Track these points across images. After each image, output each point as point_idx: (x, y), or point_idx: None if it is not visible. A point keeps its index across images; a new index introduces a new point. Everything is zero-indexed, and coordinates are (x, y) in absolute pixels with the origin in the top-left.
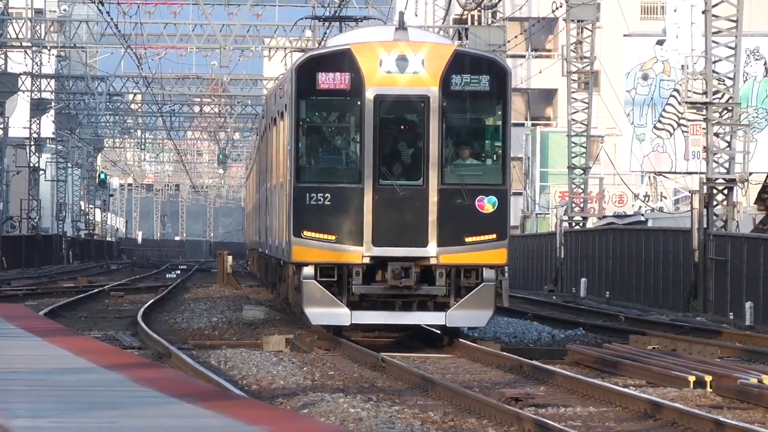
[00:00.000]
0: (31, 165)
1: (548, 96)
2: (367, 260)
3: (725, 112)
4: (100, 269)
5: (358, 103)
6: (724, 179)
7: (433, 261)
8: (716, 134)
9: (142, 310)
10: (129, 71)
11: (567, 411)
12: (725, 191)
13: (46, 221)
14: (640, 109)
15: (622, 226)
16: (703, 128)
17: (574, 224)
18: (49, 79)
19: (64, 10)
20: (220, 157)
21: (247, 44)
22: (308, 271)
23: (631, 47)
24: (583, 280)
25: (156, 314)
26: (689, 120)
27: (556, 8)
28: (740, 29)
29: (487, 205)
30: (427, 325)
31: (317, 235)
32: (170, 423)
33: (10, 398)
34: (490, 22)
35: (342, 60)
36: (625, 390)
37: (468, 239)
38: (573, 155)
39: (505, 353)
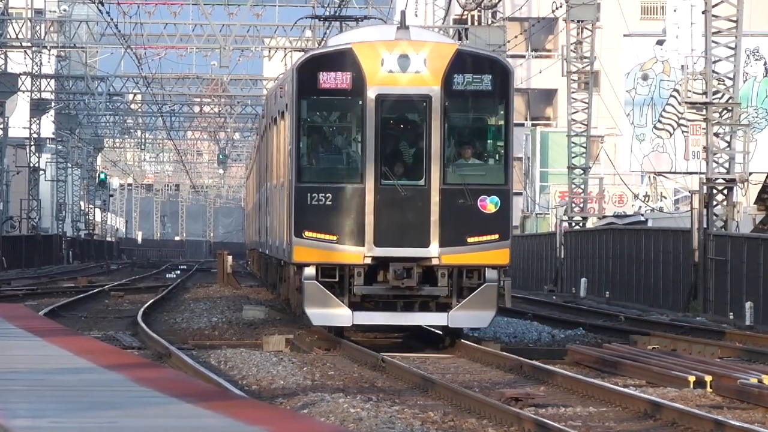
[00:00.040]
0: (31, 165)
1: (548, 96)
2: (368, 261)
3: (725, 112)
4: (100, 269)
5: (360, 102)
6: (724, 179)
7: (435, 261)
8: (716, 134)
9: (142, 310)
10: (129, 71)
11: (567, 411)
12: (725, 191)
13: (46, 221)
14: (640, 109)
15: (622, 226)
16: (703, 128)
17: (574, 224)
18: (49, 79)
19: (64, 10)
20: (220, 157)
21: (247, 44)
22: (309, 271)
23: (631, 47)
24: (583, 280)
25: (156, 314)
26: (689, 120)
27: (556, 8)
28: (740, 29)
29: (489, 205)
30: (429, 326)
31: (318, 236)
32: (170, 423)
33: (10, 398)
34: (490, 22)
35: (343, 59)
36: (625, 390)
37: (470, 239)
38: (573, 155)
39: (505, 353)
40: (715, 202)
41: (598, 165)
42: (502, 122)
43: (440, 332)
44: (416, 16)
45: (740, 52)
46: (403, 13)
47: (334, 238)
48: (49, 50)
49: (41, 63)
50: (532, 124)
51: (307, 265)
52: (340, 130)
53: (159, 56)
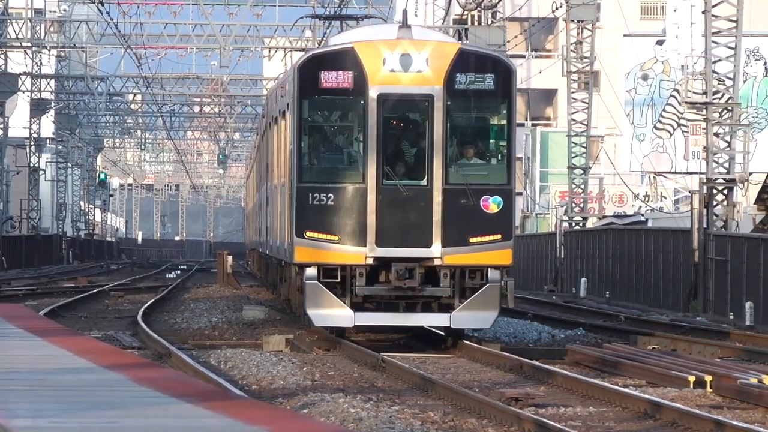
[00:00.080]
0: (31, 165)
1: (548, 96)
2: (370, 261)
3: (725, 112)
4: (100, 269)
5: (362, 102)
6: (724, 179)
7: (437, 262)
8: (716, 134)
9: (142, 310)
10: (129, 71)
11: (567, 411)
12: (725, 191)
13: (46, 221)
14: (640, 109)
15: (622, 226)
16: (703, 128)
17: (574, 224)
18: (49, 79)
19: (64, 10)
20: (220, 157)
21: (247, 44)
22: (311, 272)
23: (631, 47)
24: (583, 280)
25: (156, 314)
26: (689, 120)
27: (556, 8)
28: (740, 29)
29: (492, 205)
30: (431, 326)
31: (320, 236)
32: (170, 423)
33: (10, 398)
34: (490, 22)
35: (345, 58)
36: (625, 390)
37: (473, 240)
38: (573, 155)
39: (505, 353)
40: (715, 202)
41: (598, 165)
42: (504, 122)
43: (442, 333)
44: (416, 16)
45: (740, 52)
46: (404, 12)
47: (336, 238)
48: (49, 50)
49: (41, 63)
50: (532, 124)
51: (309, 265)
52: (342, 129)
53: (159, 56)
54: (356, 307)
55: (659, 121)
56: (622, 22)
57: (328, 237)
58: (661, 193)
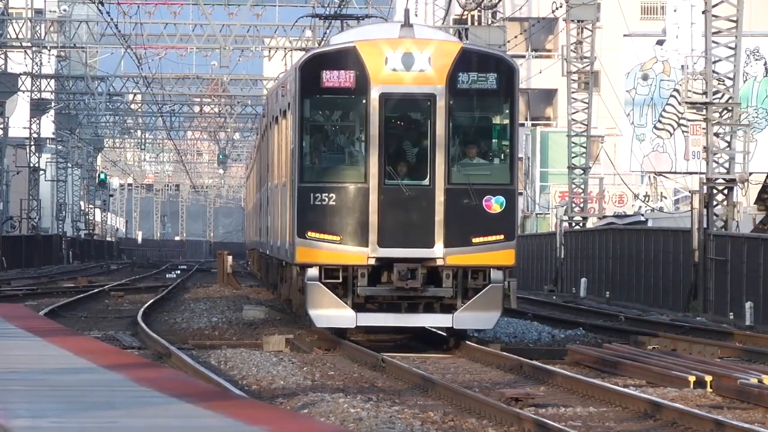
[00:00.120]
0: (31, 165)
1: (548, 96)
2: (372, 261)
3: (725, 112)
4: (100, 269)
5: (363, 101)
6: (724, 179)
7: (439, 262)
8: (716, 134)
9: (142, 310)
10: (129, 71)
11: (567, 411)
12: (725, 191)
13: (46, 221)
14: (640, 109)
15: (622, 226)
16: (703, 128)
17: (574, 224)
18: (49, 79)
19: (64, 10)
20: (220, 157)
21: (247, 44)
22: (313, 272)
23: (631, 47)
24: (583, 280)
25: (156, 314)
26: (689, 120)
27: (556, 8)
28: (740, 29)
29: (494, 205)
30: (433, 327)
31: (322, 236)
32: (170, 423)
33: (10, 398)
34: (490, 22)
35: (347, 58)
36: (625, 390)
37: (475, 240)
38: (573, 155)
39: (505, 353)
40: (715, 202)
41: (598, 165)
42: (507, 121)
43: (443, 334)
44: (416, 15)
45: (740, 52)
46: (407, 11)
47: (338, 238)
48: (49, 50)
49: (41, 63)
50: (532, 124)
51: (310, 265)
52: (344, 129)
53: (159, 56)
54: (358, 307)
55: (659, 121)
56: (622, 22)
57: (330, 237)
58: (661, 193)
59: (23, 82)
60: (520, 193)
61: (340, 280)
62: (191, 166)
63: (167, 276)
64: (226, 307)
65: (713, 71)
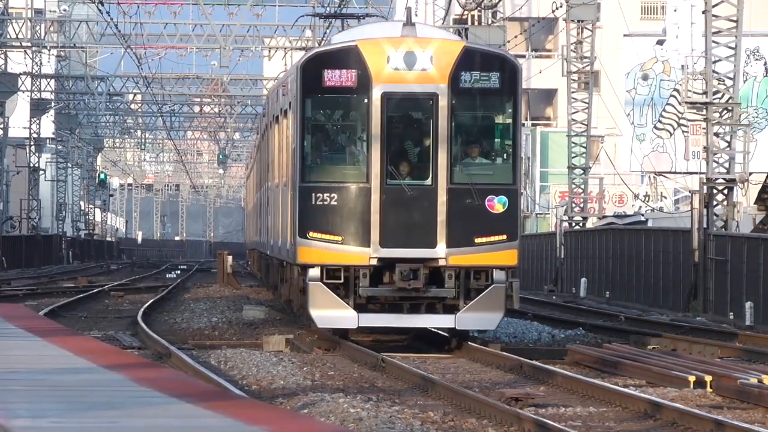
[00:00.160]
0: (31, 165)
1: (548, 96)
2: (374, 262)
3: (725, 112)
4: (100, 269)
5: (365, 100)
6: (724, 179)
7: (442, 262)
8: (716, 134)
9: (142, 310)
10: (129, 71)
11: (567, 411)
12: (725, 191)
13: (46, 221)
14: (640, 109)
15: (622, 226)
16: (703, 128)
17: (574, 224)
18: (49, 79)
19: (64, 10)
20: (220, 157)
21: (247, 44)
22: (314, 273)
23: (631, 47)
24: (583, 280)
25: (156, 314)
26: (689, 120)
27: (556, 8)
28: (740, 29)
29: (497, 205)
30: (435, 328)
31: (323, 236)
32: (170, 423)
33: (10, 398)
34: (490, 22)
35: (348, 57)
36: (625, 390)
37: (478, 240)
38: (573, 155)
39: (505, 353)
40: (715, 202)
41: (598, 165)
42: (509, 120)
43: (445, 335)
44: (416, 15)
45: (740, 52)
46: (408, 10)
47: (339, 238)
48: (49, 50)
49: (41, 63)
50: (532, 124)
51: (312, 266)
52: (345, 128)
53: (159, 56)
54: (360, 308)
55: (659, 121)
56: (622, 22)
57: (332, 237)
58: (661, 193)
59: (23, 82)
60: (521, 193)
61: (342, 281)
62: (191, 166)
63: (167, 276)
64: (226, 307)
65: (713, 71)
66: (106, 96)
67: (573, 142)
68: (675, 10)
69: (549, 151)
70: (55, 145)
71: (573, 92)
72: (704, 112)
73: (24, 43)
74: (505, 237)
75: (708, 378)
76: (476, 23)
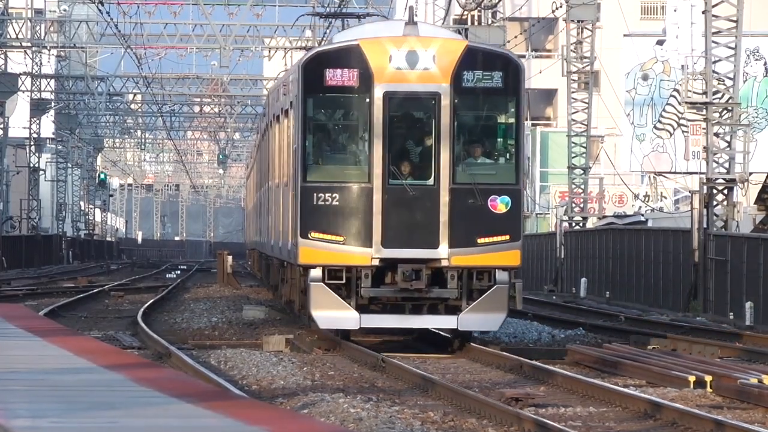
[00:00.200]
0: (31, 165)
1: (548, 96)
2: (376, 262)
3: (725, 112)
4: (100, 269)
5: (367, 100)
6: (724, 179)
7: (444, 263)
8: (716, 134)
9: (142, 310)
10: (129, 71)
11: (567, 411)
12: (725, 191)
13: (46, 221)
14: (640, 109)
15: (622, 226)
16: (703, 128)
17: (574, 224)
18: (49, 79)
19: (64, 10)
20: (220, 157)
21: (247, 44)
22: (315, 273)
23: (631, 47)
24: (583, 280)
25: (156, 314)
26: (689, 120)
27: (556, 8)
28: (740, 29)
29: (500, 205)
30: (438, 329)
31: (325, 237)
32: (170, 423)
33: (10, 398)
34: (490, 22)
35: (350, 56)
36: (625, 390)
37: (480, 240)
38: (573, 155)
39: (505, 353)
40: (715, 202)
41: (598, 165)
42: (512, 120)
43: (448, 335)
44: (416, 15)
45: (740, 52)
46: (410, 9)
47: (341, 239)
48: (49, 50)
49: (41, 63)
50: (532, 124)
51: (313, 266)
52: (347, 128)
53: (159, 56)
54: (362, 309)
55: (659, 121)
56: (622, 22)
57: (333, 237)
58: (661, 193)
59: (23, 82)
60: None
61: (344, 281)
62: (191, 166)
63: (167, 276)
64: (226, 307)
65: (713, 71)
66: (106, 96)
67: (573, 142)
68: (675, 10)
69: (549, 151)
70: (55, 145)
71: (573, 92)
72: (704, 112)
73: (24, 43)
74: (508, 237)
75: (708, 378)
76: (476, 23)
